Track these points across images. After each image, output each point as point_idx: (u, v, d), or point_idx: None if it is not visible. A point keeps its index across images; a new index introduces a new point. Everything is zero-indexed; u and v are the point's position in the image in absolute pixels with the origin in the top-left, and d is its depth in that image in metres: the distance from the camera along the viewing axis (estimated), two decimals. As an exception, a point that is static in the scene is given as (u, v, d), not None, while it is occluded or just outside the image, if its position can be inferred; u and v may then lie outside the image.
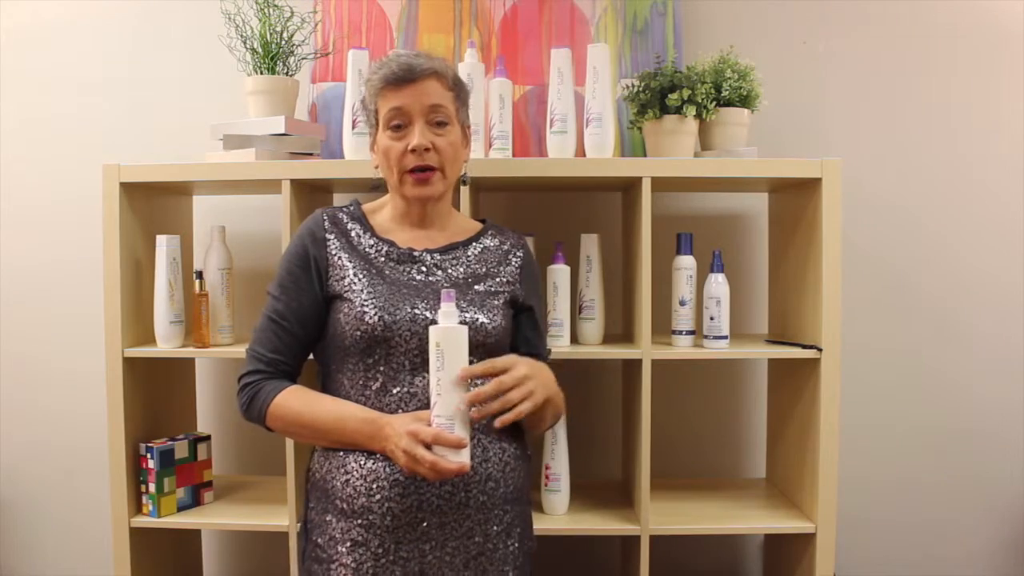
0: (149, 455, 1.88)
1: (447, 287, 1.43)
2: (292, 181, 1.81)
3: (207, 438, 2.01)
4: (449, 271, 1.47)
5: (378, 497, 1.35)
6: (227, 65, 2.01)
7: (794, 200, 1.98)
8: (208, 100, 2.21)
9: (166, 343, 1.89)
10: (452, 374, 1.25)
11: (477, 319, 1.40)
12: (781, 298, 2.10)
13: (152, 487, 1.87)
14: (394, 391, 1.38)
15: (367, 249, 1.47)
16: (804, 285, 1.92)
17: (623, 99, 2.08)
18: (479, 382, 1.32)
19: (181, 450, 1.93)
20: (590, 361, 2.14)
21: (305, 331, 1.44)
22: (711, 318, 1.88)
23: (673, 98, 1.86)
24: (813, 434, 1.85)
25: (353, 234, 1.48)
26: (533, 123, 2.15)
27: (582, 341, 1.95)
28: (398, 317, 1.37)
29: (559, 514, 1.91)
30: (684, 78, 1.89)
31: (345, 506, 1.37)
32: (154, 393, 1.99)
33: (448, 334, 1.26)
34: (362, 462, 1.37)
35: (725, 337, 1.88)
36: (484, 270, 1.50)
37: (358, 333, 1.38)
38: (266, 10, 1.96)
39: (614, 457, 2.24)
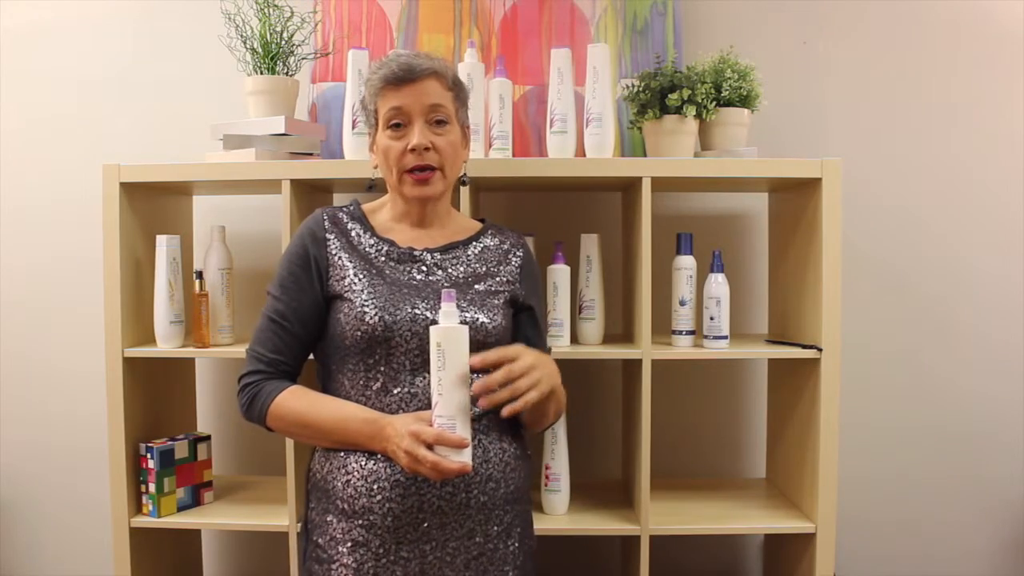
0: (149, 455, 1.88)
1: (447, 287, 1.43)
2: (292, 181, 1.82)
3: (207, 438, 2.01)
4: (449, 270, 1.47)
5: (379, 498, 1.35)
6: (227, 65, 2.01)
7: (794, 200, 1.99)
8: (208, 100, 2.21)
9: (166, 343, 1.89)
10: (453, 374, 1.25)
11: (477, 318, 1.40)
12: (781, 298, 2.10)
13: (152, 487, 1.87)
14: (395, 391, 1.38)
15: (367, 249, 1.46)
16: (804, 285, 1.92)
17: (623, 99, 2.08)
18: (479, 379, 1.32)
19: (181, 450, 1.93)
20: (590, 361, 2.14)
21: (306, 331, 1.44)
22: (711, 318, 1.88)
23: (673, 98, 1.86)
24: (813, 434, 1.85)
25: (353, 234, 1.48)
26: (533, 123, 2.15)
27: (582, 341, 1.95)
28: (398, 317, 1.37)
29: (559, 514, 1.91)
30: (684, 78, 1.89)
31: (346, 506, 1.37)
32: (154, 393, 1.99)
33: (449, 334, 1.26)
34: (363, 463, 1.37)
35: (725, 337, 1.88)
36: (484, 269, 1.50)
37: (358, 333, 1.38)
38: (266, 10, 1.96)
39: (614, 457, 2.25)
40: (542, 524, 1.80)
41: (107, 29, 2.26)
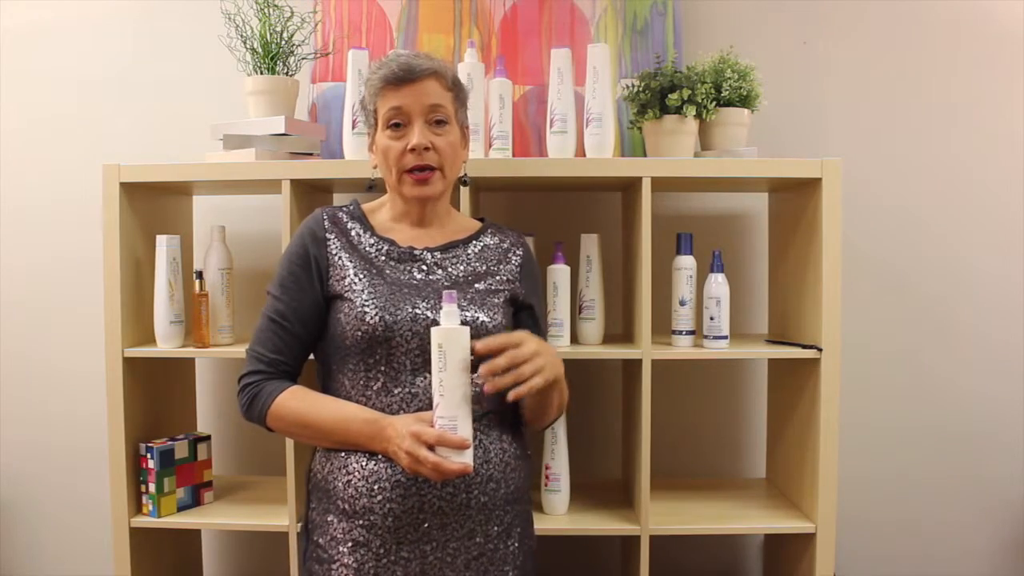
0: (149, 455, 1.88)
1: (447, 286, 1.43)
2: (292, 181, 1.82)
3: (207, 438, 2.01)
4: (449, 269, 1.47)
5: (379, 498, 1.35)
6: (227, 65, 2.01)
7: (794, 200, 1.99)
8: (208, 100, 2.21)
9: (166, 343, 1.89)
10: (455, 375, 1.25)
11: (477, 317, 1.40)
12: (781, 298, 2.10)
13: (152, 487, 1.87)
14: (395, 391, 1.38)
15: (367, 248, 1.46)
16: (804, 285, 1.92)
17: (623, 99, 2.08)
18: (479, 379, 1.32)
19: (181, 450, 1.93)
20: (590, 361, 2.13)
21: (306, 331, 1.44)
22: (711, 318, 1.88)
23: (673, 98, 1.86)
24: (813, 434, 1.85)
25: (353, 233, 1.48)
26: (533, 123, 2.15)
27: (582, 341, 1.95)
28: (399, 317, 1.37)
29: (559, 514, 1.91)
30: (684, 78, 1.89)
31: (346, 507, 1.38)
32: (154, 393, 1.99)
33: (450, 335, 1.26)
34: (363, 463, 1.37)
35: (725, 337, 1.88)
36: (484, 268, 1.50)
37: (359, 333, 1.38)
38: (266, 10, 1.96)
39: (614, 457, 2.25)
40: (542, 524, 1.80)
41: (107, 29, 2.26)
